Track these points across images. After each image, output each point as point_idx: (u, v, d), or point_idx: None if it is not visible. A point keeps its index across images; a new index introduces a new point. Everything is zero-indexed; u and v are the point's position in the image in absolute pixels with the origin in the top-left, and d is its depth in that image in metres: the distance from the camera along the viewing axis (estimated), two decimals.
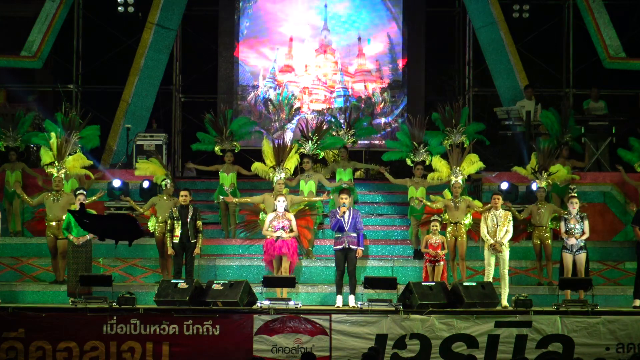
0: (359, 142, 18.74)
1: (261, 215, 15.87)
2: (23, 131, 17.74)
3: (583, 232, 14.77)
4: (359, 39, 22.12)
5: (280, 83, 22.05)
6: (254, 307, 13.90)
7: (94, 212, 14.61)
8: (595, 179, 18.01)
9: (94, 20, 21.08)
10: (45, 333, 13.44)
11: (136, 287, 15.14)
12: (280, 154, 16.25)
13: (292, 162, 16.45)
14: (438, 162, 16.39)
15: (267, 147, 16.50)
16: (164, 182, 16.00)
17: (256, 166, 16.69)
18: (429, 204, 15.80)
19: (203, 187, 18.19)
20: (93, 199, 15.62)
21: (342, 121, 18.34)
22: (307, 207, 16.12)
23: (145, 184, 16.97)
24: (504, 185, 16.88)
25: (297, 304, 13.92)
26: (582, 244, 14.77)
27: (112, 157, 19.51)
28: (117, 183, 17.09)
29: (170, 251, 14.82)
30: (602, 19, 19.90)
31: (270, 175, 16.26)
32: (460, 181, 15.71)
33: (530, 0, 20.62)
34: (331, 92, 22.08)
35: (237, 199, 16.13)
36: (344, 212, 14.46)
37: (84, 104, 20.10)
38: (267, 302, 13.85)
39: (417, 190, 16.29)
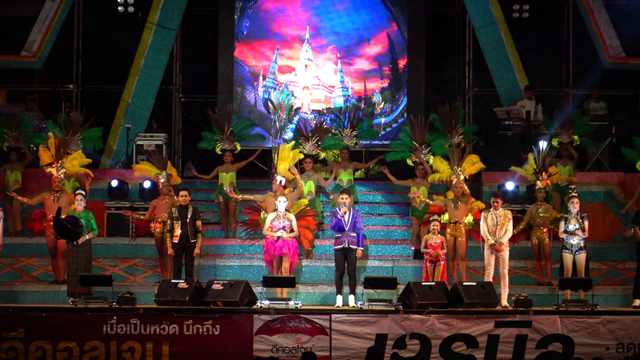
0: (361, 141, 18.73)
1: (262, 214, 15.87)
2: (25, 132, 17.76)
3: (583, 232, 14.77)
4: (359, 39, 22.12)
5: (280, 83, 22.05)
6: (254, 307, 13.90)
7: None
8: (595, 179, 18.03)
9: (94, 20, 21.08)
10: (45, 333, 13.44)
11: (136, 287, 15.15)
12: (273, 155, 16.27)
13: (285, 162, 16.41)
14: (439, 163, 16.39)
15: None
16: (162, 180, 16.01)
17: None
18: (429, 202, 15.81)
19: (203, 186, 18.19)
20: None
21: (344, 121, 18.30)
22: (307, 207, 16.11)
23: (147, 184, 16.98)
24: (510, 186, 16.88)
25: (297, 303, 13.93)
26: (582, 244, 14.78)
27: (112, 157, 19.52)
28: (114, 183, 17.11)
29: (170, 251, 14.82)
30: (602, 19, 19.92)
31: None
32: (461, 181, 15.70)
33: (530, 0, 20.62)
34: (331, 92, 22.08)
35: (240, 195, 16.14)
36: (345, 213, 14.47)
37: (84, 104, 20.11)
38: (267, 302, 13.86)
39: (419, 190, 16.29)
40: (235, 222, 16.83)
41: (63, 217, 14.38)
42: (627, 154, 17.45)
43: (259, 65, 22.06)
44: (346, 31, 22.14)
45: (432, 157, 16.88)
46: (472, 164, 16.24)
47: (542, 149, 16.24)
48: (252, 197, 16.04)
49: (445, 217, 15.55)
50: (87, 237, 14.62)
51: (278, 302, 13.94)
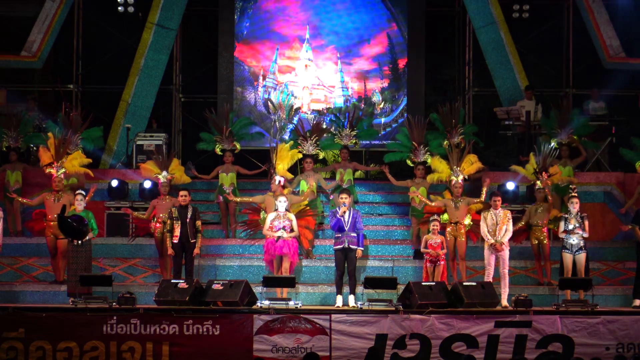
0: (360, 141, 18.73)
1: (262, 214, 15.87)
2: (25, 132, 17.76)
3: (583, 231, 14.77)
4: (359, 39, 22.12)
5: (280, 83, 22.05)
6: (254, 307, 13.90)
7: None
8: (595, 179, 18.03)
9: (94, 20, 21.09)
10: (45, 333, 13.42)
11: (136, 287, 15.15)
12: (271, 154, 16.29)
13: (284, 161, 16.43)
14: (438, 163, 16.41)
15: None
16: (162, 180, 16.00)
17: None
18: (428, 202, 15.82)
19: (203, 186, 18.19)
20: (89, 197, 15.53)
21: (343, 121, 18.30)
22: (307, 207, 16.11)
23: (147, 184, 16.95)
24: (510, 185, 16.89)
25: (297, 303, 13.93)
26: (582, 244, 14.78)
27: (112, 157, 19.52)
28: (114, 183, 17.10)
29: (169, 251, 14.82)
30: (602, 19, 19.93)
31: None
32: (460, 181, 15.72)
33: (530, 0, 20.63)
34: (331, 92, 22.09)
35: (238, 198, 16.16)
36: (344, 212, 14.47)
37: (84, 104, 20.12)
38: (267, 302, 13.85)
39: (418, 191, 16.28)
40: (235, 222, 16.83)
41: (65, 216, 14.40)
42: (626, 155, 17.46)
43: (259, 65, 22.08)
44: (346, 31, 22.15)
45: (429, 157, 16.88)
46: (471, 164, 16.25)
47: (550, 148, 16.26)
48: (250, 200, 16.03)
49: (445, 217, 15.55)
50: (87, 237, 14.61)
51: (278, 302, 13.94)
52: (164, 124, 20.93)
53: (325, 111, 21.79)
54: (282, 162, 16.26)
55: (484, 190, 15.45)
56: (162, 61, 20.35)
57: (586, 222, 14.81)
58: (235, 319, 13.54)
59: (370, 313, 13.69)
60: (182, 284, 13.94)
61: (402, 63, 22.10)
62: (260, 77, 22.06)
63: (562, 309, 13.88)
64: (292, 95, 22.05)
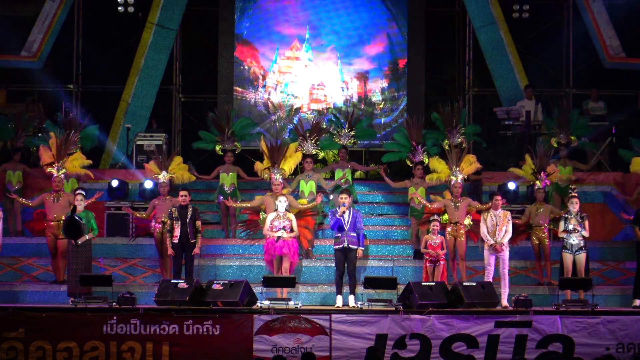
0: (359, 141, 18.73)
1: (261, 215, 15.87)
2: (28, 132, 17.75)
3: (583, 229, 14.77)
4: (359, 39, 22.12)
5: (280, 83, 22.05)
6: (254, 307, 13.90)
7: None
8: (595, 179, 18.03)
9: (94, 20, 21.10)
10: (45, 333, 13.42)
11: (136, 287, 15.15)
12: (275, 154, 16.25)
13: (290, 162, 16.43)
14: (437, 163, 16.40)
15: (264, 147, 16.51)
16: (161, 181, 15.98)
17: (257, 166, 16.69)
18: (427, 204, 15.81)
19: (203, 186, 18.19)
20: (92, 200, 15.50)
21: (342, 121, 18.30)
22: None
23: (147, 184, 16.93)
24: (511, 185, 16.89)
25: (297, 304, 13.93)
26: (582, 244, 14.78)
27: (112, 157, 19.52)
28: (115, 183, 17.10)
29: (169, 251, 14.82)
30: (602, 19, 19.93)
31: (265, 176, 16.25)
32: (460, 181, 15.71)
33: (530, 0, 20.64)
34: (331, 92, 22.07)
35: (236, 204, 16.11)
36: (344, 212, 14.47)
37: (84, 104, 20.12)
38: (267, 302, 13.86)
39: (417, 191, 16.28)
40: (235, 223, 16.82)
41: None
42: (625, 156, 17.45)
43: (259, 65, 22.07)
44: (346, 31, 22.14)
45: (426, 156, 16.88)
46: (470, 164, 16.24)
47: (546, 147, 16.28)
48: (249, 205, 16.01)
49: (445, 217, 15.54)
50: (87, 237, 14.61)
51: (278, 302, 13.94)
52: (164, 124, 20.93)
53: (325, 111, 21.79)
54: (290, 162, 16.29)
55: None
56: (162, 61, 20.37)
57: (586, 222, 14.81)
58: (235, 319, 13.54)
59: (370, 313, 13.69)
60: (182, 284, 13.94)
61: (402, 63, 22.10)
62: (260, 77, 22.06)
63: (562, 309, 13.88)
64: (292, 95, 22.05)
